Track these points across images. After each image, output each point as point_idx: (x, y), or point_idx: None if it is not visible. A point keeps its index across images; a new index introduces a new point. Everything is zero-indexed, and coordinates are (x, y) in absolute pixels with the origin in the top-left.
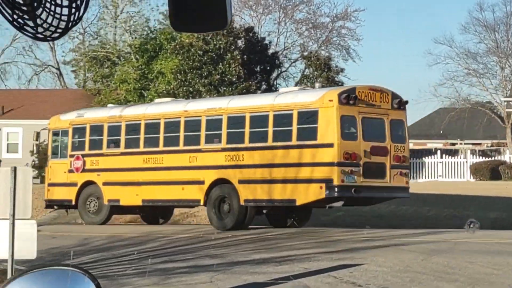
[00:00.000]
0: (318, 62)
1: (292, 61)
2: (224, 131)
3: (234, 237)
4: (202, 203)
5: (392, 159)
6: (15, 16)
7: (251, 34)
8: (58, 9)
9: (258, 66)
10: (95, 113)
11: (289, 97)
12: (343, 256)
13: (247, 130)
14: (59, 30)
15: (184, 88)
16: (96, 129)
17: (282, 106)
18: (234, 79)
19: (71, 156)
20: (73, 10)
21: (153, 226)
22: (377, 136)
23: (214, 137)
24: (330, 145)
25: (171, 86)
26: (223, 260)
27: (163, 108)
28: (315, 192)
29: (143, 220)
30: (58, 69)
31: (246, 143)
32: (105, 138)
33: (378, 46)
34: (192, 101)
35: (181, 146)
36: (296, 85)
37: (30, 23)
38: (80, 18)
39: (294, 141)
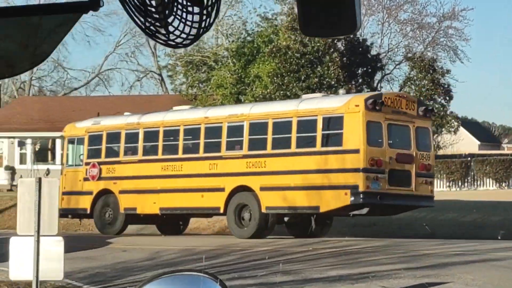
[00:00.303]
0: (422, 64)
1: (396, 63)
2: (245, 138)
3: (314, 250)
4: (222, 211)
5: (417, 167)
6: (147, 24)
7: (351, 36)
8: (189, 16)
9: (359, 68)
10: (112, 120)
11: (313, 103)
12: (428, 273)
13: (269, 136)
14: (190, 37)
15: (281, 92)
16: (113, 137)
17: (307, 111)
18: (333, 82)
19: (87, 164)
20: (204, 17)
21: (231, 239)
22: (403, 143)
23: (236, 143)
24: (356, 151)
25: (268, 90)
26: (295, 276)
27: (183, 115)
28: (339, 199)
29: (158, 230)
30: (160, 74)
31: (269, 150)
32: (122, 145)
33: (487, 47)
34: (212, 108)
35: (201, 153)
36: (400, 89)
37: (162, 30)
38: (210, 25)
39: (318, 147)
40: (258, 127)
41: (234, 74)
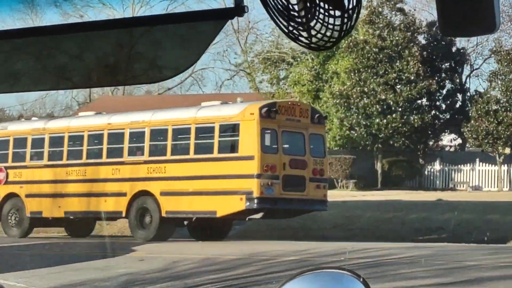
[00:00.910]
0: (508, 57)
1: (485, 57)
2: (146, 144)
3: (347, 260)
4: (124, 215)
5: (311, 173)
6: (290, 28)
7: (434, 29)
8: (331, 20)
9: (442, 63)
10: (19, 125)
11: (211, 111)
12: None
13: (169, 142)
14: (332, 40)
15: (359, 88)
16: (20, 142)
17: (204, 119)
18: (412, 77)
19: None
20: (345, 20)
21: (258, 245)
22: (297, 149)
23: (137, 149)
24: (251, 158)
25: (345, 87)
26: None
27: (87, 121)
28: (235, 204)
29: (67, 232)
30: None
31: (168, 156)
32: (28, 150)
33: None
34: (116, 114)
35: (104, 159)
36: (490, 83)
37: (304, 34)
38: (352, 27)
39: (215, 154)
40: (158, 134)
41: (312, 70)
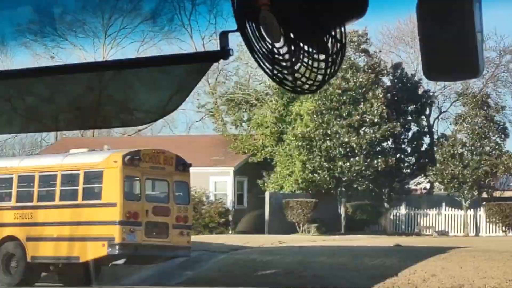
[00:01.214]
0: (474, 100)
1: (453, 100)
2: (14, 190)
3: None
4: None
5: (175, 219)
6: (275, 71)
7: (399, 71)
8: (315, 63)
9: (408, 105)
10: None
11: (77, 158)
12: None
13: (36, 189)
14: (316, 83)
15: (321, 130)
16: None
17: (70, 166)
18: (376, 120)
19: None
20: (330, 64)
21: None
22: (161, 196)
23: (5, 195)
24: (113, 205)
25: (307, 129)
26: None
27: None
28: (97, 250)
29: None
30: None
31: (35, 202)
32: None
33: None
34: None
35: None
36: (456, 125)
37: (289, 77)
38: (336, 71)
39: (80, 200)
40: (26, 180)
41: (275, 112)
